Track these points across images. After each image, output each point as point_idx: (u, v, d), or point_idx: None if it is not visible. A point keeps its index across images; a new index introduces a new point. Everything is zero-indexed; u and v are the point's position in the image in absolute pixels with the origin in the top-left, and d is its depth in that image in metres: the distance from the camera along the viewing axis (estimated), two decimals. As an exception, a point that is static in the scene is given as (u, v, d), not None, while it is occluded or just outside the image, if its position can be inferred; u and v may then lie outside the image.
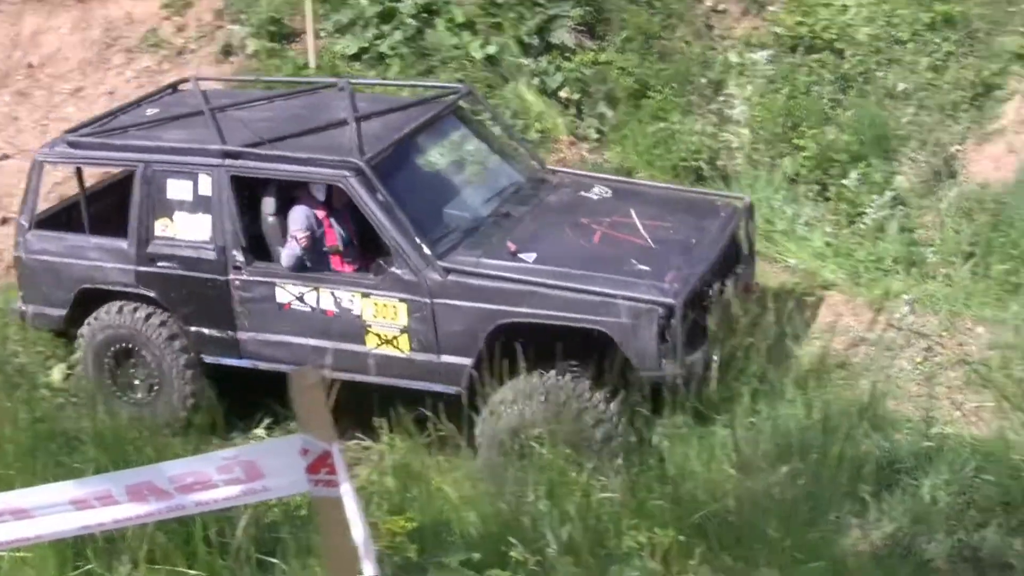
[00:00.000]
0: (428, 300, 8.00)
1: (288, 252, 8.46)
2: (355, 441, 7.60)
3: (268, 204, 8.70)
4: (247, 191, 8.70)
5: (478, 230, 8.51)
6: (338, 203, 8.57)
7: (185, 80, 10.28)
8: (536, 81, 12.49)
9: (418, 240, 8.06)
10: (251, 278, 8.58)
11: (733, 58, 13.03)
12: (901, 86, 12.33)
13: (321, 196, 8.57)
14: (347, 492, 3.41)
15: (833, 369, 8.25)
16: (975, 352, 9.01)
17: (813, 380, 7.42)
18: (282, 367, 8.01)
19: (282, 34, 13.12)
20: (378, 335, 8.23)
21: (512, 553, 5.06)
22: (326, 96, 9.70)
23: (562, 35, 12.80)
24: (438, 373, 8.08)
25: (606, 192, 9.18)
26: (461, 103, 9.64)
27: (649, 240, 8.32)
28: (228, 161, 8.56)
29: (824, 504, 5.62)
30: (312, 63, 12.52)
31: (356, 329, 8.29)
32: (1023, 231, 10.02)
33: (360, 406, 7.44)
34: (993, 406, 7.67)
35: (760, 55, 12.87)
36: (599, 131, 12.33)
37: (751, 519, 5.38)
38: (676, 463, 6.37)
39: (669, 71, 12.80)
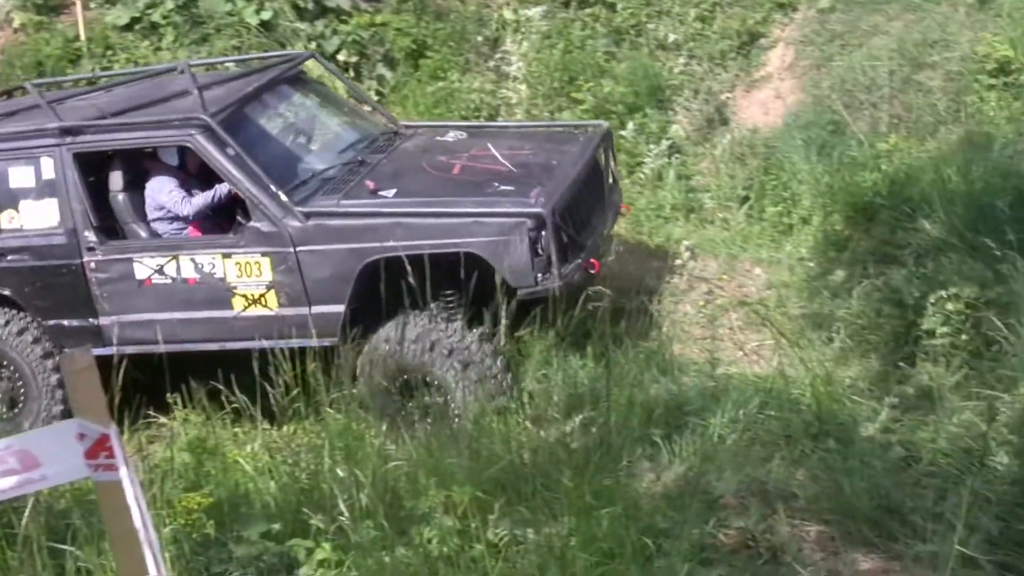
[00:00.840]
0: (291, 249, 7.78)
1: (194, 203, 8.20)
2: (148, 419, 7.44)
3: (116, 179, 8.39)
4: (93, 169, 8.39)
5: (334, 178, 8.27)
6: (192, 168, 8.34)
7: (18, 87, 9.82)
8: (313, 45, 12.34)
9: (274, 188, 7.83)
10: (106, 257, 8.21)
11: (508, 15, 13.08)
12: (672, 37, 12.61)
13: (174, 161, 8.34)
14: (125, 476, 3.32)
15: (622, 317, 8.39)
16: (753, 292, 9.32)
17: (603, 330, 7.53)
18: (149, 349, 7.87)
19: (49, 6, 12.68)
20: (244, 296, 7.97)
21: (312, 521, 5.02)
22: (166, 79, 9.32)
23: (338, -2, 12.70)
24: (311, 326, 7.74)
25: (461, 135, 9.08)
26: (303, 69, 9.52)
27: (510, 165, 8.23)
28: (68, 139, 8.19)
29: (616, 450, 5.74)
30: (83, 35, 12.05)
31: (221, 293, 8.02)
32: (792, 173, 10.36)
33: (155, 383, 7.28)
34: (772, 344, 7.94)
35: (534, 11, 12.95)
36: (379, 93, 12.29)
37: (546, 470, 5.46)
38: (472, 420, 6.41)
39: (446, 30, 12.83)
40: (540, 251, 7.48)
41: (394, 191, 7.90)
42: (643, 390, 6.66)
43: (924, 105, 10.37)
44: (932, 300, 7.27)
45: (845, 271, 8.79)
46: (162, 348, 7.57)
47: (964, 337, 6.90)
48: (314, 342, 7.47)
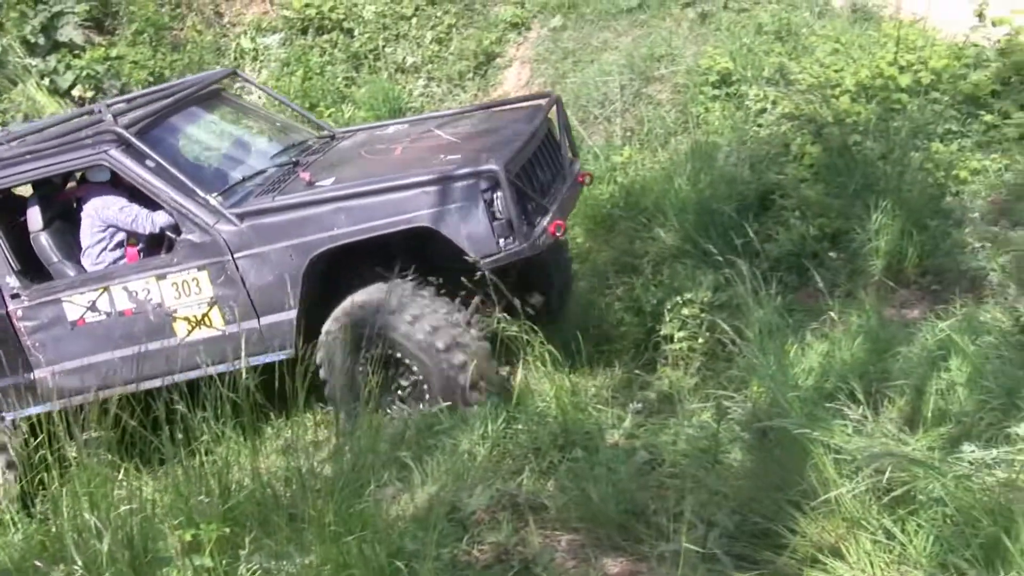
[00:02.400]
0: (228, 257, 7.06)
1: (156, 220, 7.49)
2: None
3: (34, 219, 7.68)
4: (6, 213, 7.79)
5: (267, 180, 7.61)
6: (126, 186, 7.55)
7: None
8: (46, 81, 11.94)
9: (202, 194, 7.14)
10: (33, 303, 7.48)
11: (246, 44, 12.98)
12: (410, 60, 12.74)
13: (104, 177, 7.57)
14: None
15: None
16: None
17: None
18: (91, 398, 6.95)
19: None
20: (186, 319, 7.24)
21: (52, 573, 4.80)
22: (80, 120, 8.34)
23: (69, 32, 12.43)
24: (264, 339, 7.13)
25: (403, 126, 8.52)
26: (223, 85, 8.95)
27: (454, 139, 7.57)
28: None
29: (367, 475, 5.71)
30: None
31: (161, 320, 7.27)
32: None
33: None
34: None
35: (272, 39, 12.91)
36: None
37: (296, 500, 5.38)
38: (221, 455, 6.24)
39: (183, 61, 12.64)
40: (498, 214, 6.75)
41: (332, 179, 7.20)
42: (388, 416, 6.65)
43: (655, 117, 10.71)
44: (669, 306, 7.53)
45: (587, 283, 9.00)
46: (108, 393, 6.65)
47: (700, 341, 7.18)
48: (269, 357, 6.97)
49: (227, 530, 5.08)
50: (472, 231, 6.73)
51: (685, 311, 7.26)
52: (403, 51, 12.80)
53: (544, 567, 5.10)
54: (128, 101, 8.71)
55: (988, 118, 8.49)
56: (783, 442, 4.99)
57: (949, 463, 4.65)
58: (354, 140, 8.31)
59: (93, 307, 7.34)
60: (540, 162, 7.41)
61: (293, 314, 7.03)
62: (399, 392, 7.11)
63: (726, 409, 5.39)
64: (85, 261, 7.61)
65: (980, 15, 9.06)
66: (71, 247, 7.64)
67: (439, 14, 12.97)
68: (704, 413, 5.69)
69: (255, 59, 13.03)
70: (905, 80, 8.91)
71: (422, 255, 7.27)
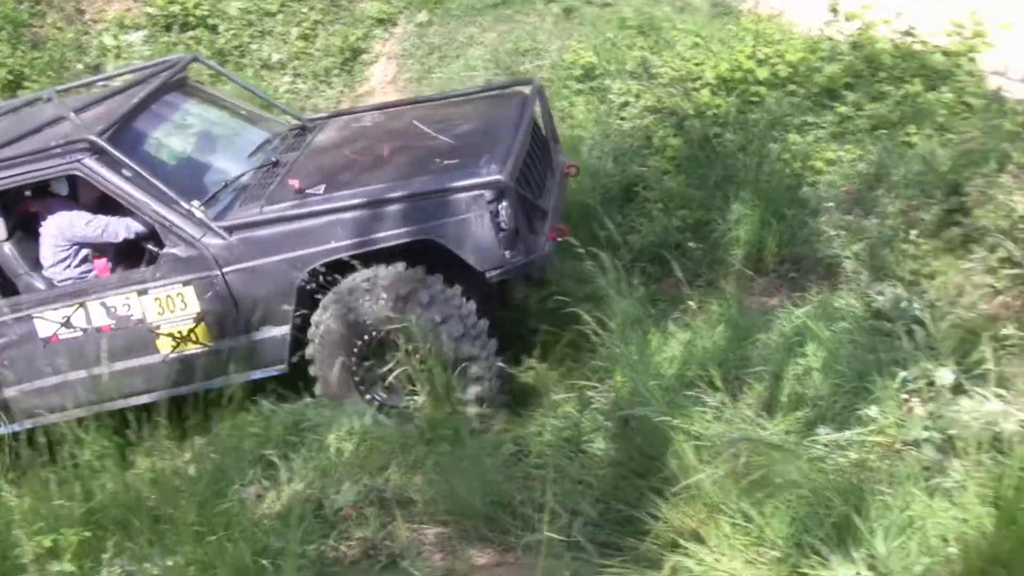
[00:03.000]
0: (217, 272, 6.66)
1: (130, 226, 7.06)
2: None
3: None
4: None
5: (250, 184, 7.17)
6: (86, 199, 7.17)
7: None
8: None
9: (186, 206, 6.71)
10: (1, 319, 7.03)
11: (108, 40, 12.69)
12: (276, 57, 12.59)
13: (64, 191, 7.14)
14: None
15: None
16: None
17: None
18: (66, 416, 6.51)
19: None
20: (171, 335, 6.84)
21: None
22: (29, 112, 7.97)
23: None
24: (254, 356, 6.78)
25: (379, 117, 8.04)
26: (186, 75, 8.25)
27: (445, 138, 7.11)
28: None
29: (231, 474, 5.66)
30: None
31: (143, 337, 6.87)
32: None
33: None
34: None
35: (135, 36, 12.64)
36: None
37: (160, 502, 5.31)
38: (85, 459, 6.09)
39: (44, 59, 12.28)
40: (503, 225, 6.43)
41: (323, 187, 6.77)
42: (258, 411, 6.58)
43: (520, 112, 10.73)
44: (536, 299, 7.59)
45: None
46: (83, 414, 6.37)
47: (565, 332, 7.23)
48: (260, 373, 6.77)
49: (88, 534, 5.00)
50: (478, 243, 6.44)
51: (550, 303, 7.30)
52: (269, 48, 12.64)
53: (411, 561, 5.12)
54: (77, 91, 8.37)
55: (842, 110, 8.69)
56: (645, 430, 5.08)
57: (804, 446, 4.79)
58: (331, 135, 7.83)
59: (67, 323, 6.94)
60: (533, 159, 7.17)
61: (286, 329, 6.72)
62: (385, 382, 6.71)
63: (589, 399, 5.46)
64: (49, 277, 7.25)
65: (834, 10, 9.29)
66: (36, 260, 7.24)
67: (304, 10, 12.86)
68: (568, 404, 5.75)
69: (118, 56, 12.71)
70: (763, 73, 9.09)
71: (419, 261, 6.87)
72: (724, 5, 10.92)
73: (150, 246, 6.92)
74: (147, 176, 6.74)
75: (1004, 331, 5.56)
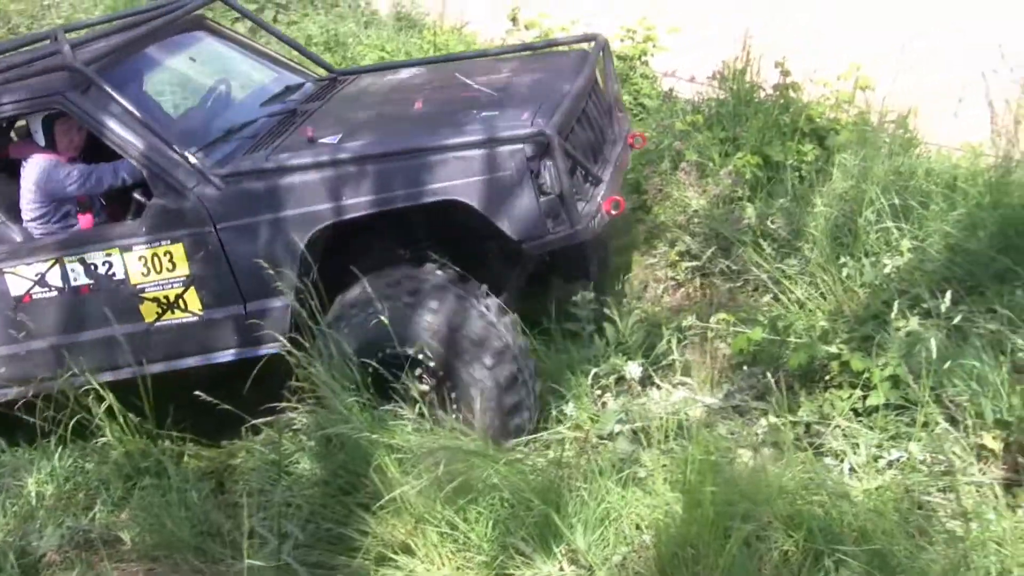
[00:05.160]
0: (210, 228, 5.66)
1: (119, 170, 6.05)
2: None
3: None
4: None
5: (259, 133, 6.16)
6: (66, 146, 6.20)
7: None
8: None
9: (178, 148, 5.72)
10: None
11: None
12: None
13: (41, 140, 6.16)
14: None
15: None
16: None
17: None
18: (37, 389, 5.81)
19: None
20: (156, 300, 5.84)
21: None
22: (36, 48, 6.64)
23: None
24: (250, 329, 5.74)
25: (420, 71, 7.01)
26: (203, 14, 7.10)
27: (488, 90, 6.09)
28: None
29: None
30: None
31: (125, 301, 5.87)
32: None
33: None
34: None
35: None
36: None
37: None
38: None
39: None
40: (547, 188, 5.41)
41: (338, 136, 5.78)
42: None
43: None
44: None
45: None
46: (56, 387, 5.74)
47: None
48: (255, 351, 5.78)
49: None
50: (515, 208, 5.41)
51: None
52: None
53: (118, 602, 4.99)
54: (92, 27, 7.10)
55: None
56: (347, 447, 5.11)
57: (503, 449, 4.92)
58: (360, 86, 6.89)
59: (42, 281, 5.99)
60: (589, 120, 6.16)
61: (288, 300, 5.66)
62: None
63: (291, 420, 5.45)
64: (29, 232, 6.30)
65: (513, 19, 9.55)
66: (15, 210, 6.25)
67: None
68: (271, 427, 5.71)
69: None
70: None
71: (444, 229, 6.06)
72: (409, 19, 11.06)
73: (138, 195, 5.95)
74: (137, 115, 5.79)
75: (686, 322, 5.85)
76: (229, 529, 5.29)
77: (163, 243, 5.75)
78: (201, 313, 5.83)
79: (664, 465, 4.74)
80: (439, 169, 5.41)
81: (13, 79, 6.05)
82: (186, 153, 5.70)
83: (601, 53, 6.53)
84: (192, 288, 5.79)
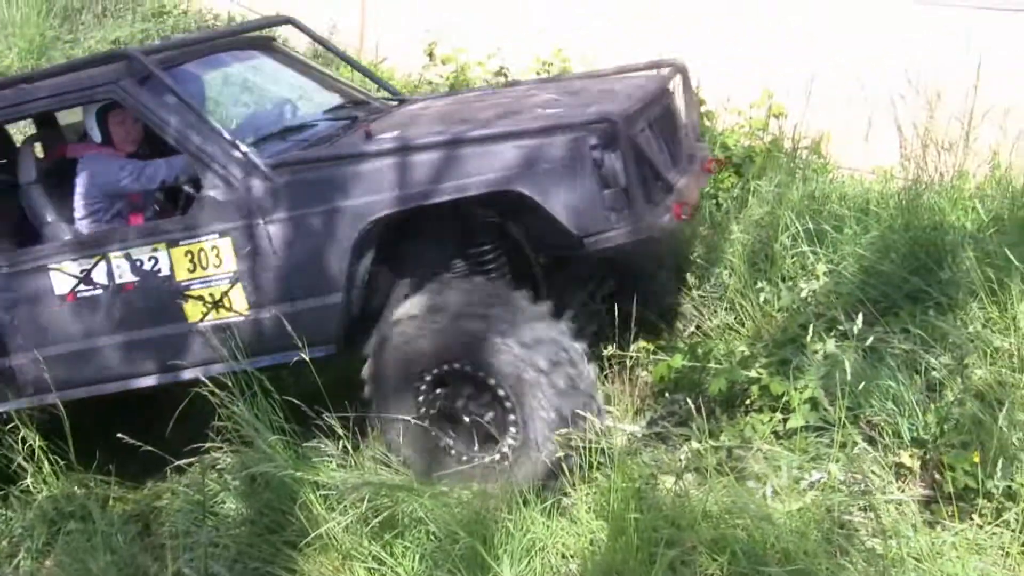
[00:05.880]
0: (259, 221, 5.45)
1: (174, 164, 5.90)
2: None
3: (27, 166, 6.21)
4: None
5: (314, 135, 6.05)
6: (122, 140, 6.12)
7: None
8: None
9: (230, 138, 5.56)
10: (14, 270, 5.92)
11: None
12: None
13: (97, 137, 6.07)
14: None
15: None
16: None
17: None
18: (80, 394, 5.69)
19: None
20: (201, 299, 5.61)
21: None
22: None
23: None
24: (296, 331, 5.38)
25: (489, 90, 6.85)
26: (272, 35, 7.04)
27: (555, 95, 5.94)
28: None
29: None
30: None
31: (169, 299, 5.66)
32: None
33: None
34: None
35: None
36: None
37: None
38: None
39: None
40: (611, 180, 5.08)
41: (396, 133, 5.61)
42: None
43: None
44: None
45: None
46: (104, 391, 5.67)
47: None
48: (301, 354, 5.34)
49: None
50: (575, 199, 5.07)
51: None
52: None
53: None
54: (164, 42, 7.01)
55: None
56: (272, 485, 5.08)
57: (428, 484, 4.93)
58: (426, 103, 6.74)
59: (87, 278, 5.80)
60: (661, 134, 5.79)
61: (339, 298, 5.44)
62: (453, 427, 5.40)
63: (215, 461, 5.42)
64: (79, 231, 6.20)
65: (430, 54, 9.59)
66: (68, 209, 6.18)
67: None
68: (196, 468, 5.66)
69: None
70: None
71: (503, 237, 5.78)
72: (326, 57, 11.02)
73: (188, 188, 5.75)
74: (190, 104, 5.67)
75: (606, 351, 5.91)
76: (156, 572, 5.25)
77: (211, 237, 5.55)
78: (246, 313, 5.59)
79: (588, 494, 4.77)
80: (496, 158, 5.16)
81: (67, 66, 6.08)
82: (236, 142, 5.54)
83: (679, 77, 6.25)
84: (238, 285, 5.56)
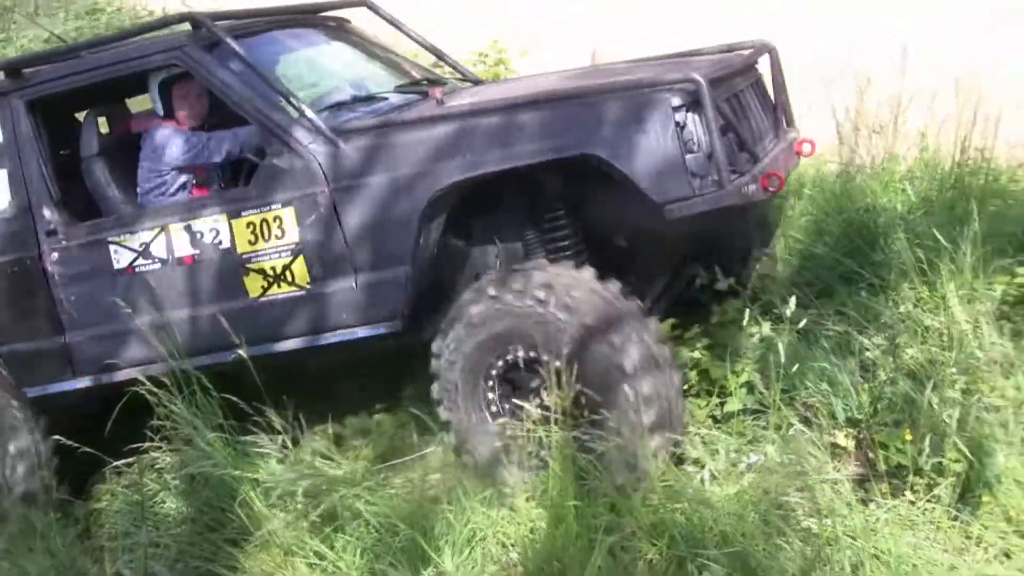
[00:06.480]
0: (324, 188, 5.19)
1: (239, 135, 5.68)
2: None
3: (90, 141, 5.96)
4: (57, 130, 5.99)
5: (385, 105, 5.79)
6: (187, 114, 5.87)
7: None
8: None
9: (297, 103, 5.30)
10: (73, 243, 5.69)
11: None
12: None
13: (160, 110, 5.85)
14: None
15: None
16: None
17: None
18: (138, 373, 5.38)
19: None
20: (262, 272, 5.36)
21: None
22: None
23: None
24: (361, 305, 5.23)
25: (566, 72, 6.32)
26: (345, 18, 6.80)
27: (636, 69, 5.64)
28: (16, 84, 5.76)
29: None
30: None
31: (230, 273, 5.41)
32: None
33: None
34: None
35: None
36: None
37: None
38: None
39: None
40: (693, 144, 4.78)
41: (469, 101, 5.39)
42: None
43: None
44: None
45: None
46: (155, 370, 5.35)
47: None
48: (367, 330, 5.24)
49: None
50: (656, 163, 4.75)
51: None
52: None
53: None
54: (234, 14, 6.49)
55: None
56: (211, 484, 5.07)
57: (367, 478, 4.94)
58: (501, 83, 6.54)
59: (146, 252, 5.56)
60: (749, 110, 5.49)
61: (406, 272, 5.17)
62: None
63: (154, 460, 5.38)
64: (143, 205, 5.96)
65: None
66: (131, 184, 5.97)
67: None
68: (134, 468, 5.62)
69: None
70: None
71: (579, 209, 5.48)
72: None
73: (252, 156, 5.55)
74: (257, 71, 5.37)
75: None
76: (95, 574, 5.21)
77: (273, 207, 5.30)
78: (309, 286, 5.32)
79: (527, 483, 4.79)
80: (573, 121, 4.89)
81: (129, 32, 5.95)
82: (302, 107, 5.29)
83: (768, 56, 5.87)
84: (301, 257, 5.29)
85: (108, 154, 6.01)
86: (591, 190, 5.20)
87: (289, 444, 5.13)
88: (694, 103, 4.76)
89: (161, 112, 5.87)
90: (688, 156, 4.74)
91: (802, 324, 5.05)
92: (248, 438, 5.13)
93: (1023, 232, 5.59)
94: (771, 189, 4.93)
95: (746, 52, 5.74)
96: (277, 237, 5.30)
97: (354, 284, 5.25)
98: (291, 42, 6.36)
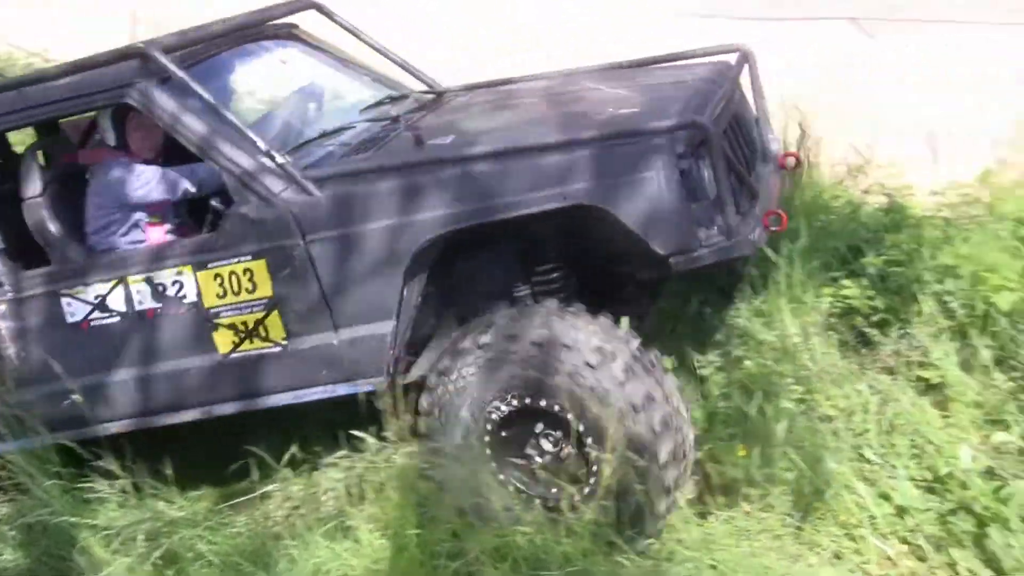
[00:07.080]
0: (298, 240, 4.79)
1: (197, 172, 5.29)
2: None
3: (30, 179, 5.40)
4: None
5: (355, 139, 5.35)
6: (141, 147, 5.42)
7: None
8: None
9: (265, 147, 4.86)
10: (20, 295, 5.27)
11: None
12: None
13: (112, 140, 5.38)
14: None
15: None
16: None
17: None
18: (90, 433, 5.12)
19: None
20: (233, 327, 4.97)
21: None
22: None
23: None
24: (340, 362, 4.88)
25: (537, 82, 6.00)
26: (294, 23, 6.25)
27: (626, 92, 5.25)
28: None
29: None
30: None
31: (197, 327, 5.02)
32: None
33: None
34: None
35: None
36: None
37: None
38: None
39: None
40: (699, 191, 4.52)
41: (450, 137, 5.01)
42: None
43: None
44: None
45: None
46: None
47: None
48: (349, 387, 4.90)
49: None
50: (658, 212, 4.46)
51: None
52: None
53: None
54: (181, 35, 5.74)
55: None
56: (50, 532, 4.99)
57: (208, 518, 4.90)
58: (473, 98, 6.06)
59: (103, 305, 5.16)
60: (737, 131, 5.24)
61: (390, 327, 4.83)
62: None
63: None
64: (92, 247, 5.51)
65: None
66: (78, 222, 5.49)
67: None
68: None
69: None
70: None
71: (572, 255, 5.23)
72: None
73: (215, 203, 5.08)
74: (219, 109, 4.97)
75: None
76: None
77: (243, 259, 4.92)
78: (284, 342, 4.98)
79: (369, 514, 4.80)
80: (570, 168, 4.55)
81: (75, 67, 5.29)
82: (271, 151, 4.90)
83: (746, 64, 5.60)
84: (275, 312, 4.94)
85: (52, 191, 5.51)
86: (587, 237, 4.96)
87: (128, 488, 5.04)
88: (701, 149, 4.54)
89: (113, 143, 5.49)
90: (693, 205, 4.51)
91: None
92: (86, 484, 5.05)
93: (846, 246, 5.75)
94: (773, 229, 4.78)
95: (731, 62, 5.55)
96: (248, 291, 4.96)
97: (335, 340, 4.92)
98: (249, 59, 5.96)
